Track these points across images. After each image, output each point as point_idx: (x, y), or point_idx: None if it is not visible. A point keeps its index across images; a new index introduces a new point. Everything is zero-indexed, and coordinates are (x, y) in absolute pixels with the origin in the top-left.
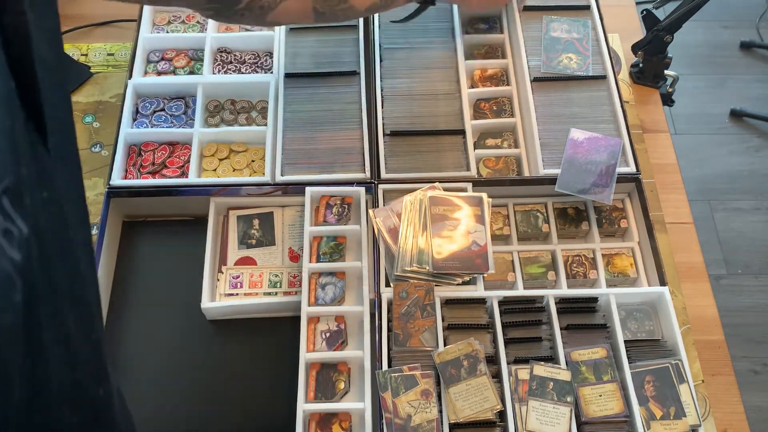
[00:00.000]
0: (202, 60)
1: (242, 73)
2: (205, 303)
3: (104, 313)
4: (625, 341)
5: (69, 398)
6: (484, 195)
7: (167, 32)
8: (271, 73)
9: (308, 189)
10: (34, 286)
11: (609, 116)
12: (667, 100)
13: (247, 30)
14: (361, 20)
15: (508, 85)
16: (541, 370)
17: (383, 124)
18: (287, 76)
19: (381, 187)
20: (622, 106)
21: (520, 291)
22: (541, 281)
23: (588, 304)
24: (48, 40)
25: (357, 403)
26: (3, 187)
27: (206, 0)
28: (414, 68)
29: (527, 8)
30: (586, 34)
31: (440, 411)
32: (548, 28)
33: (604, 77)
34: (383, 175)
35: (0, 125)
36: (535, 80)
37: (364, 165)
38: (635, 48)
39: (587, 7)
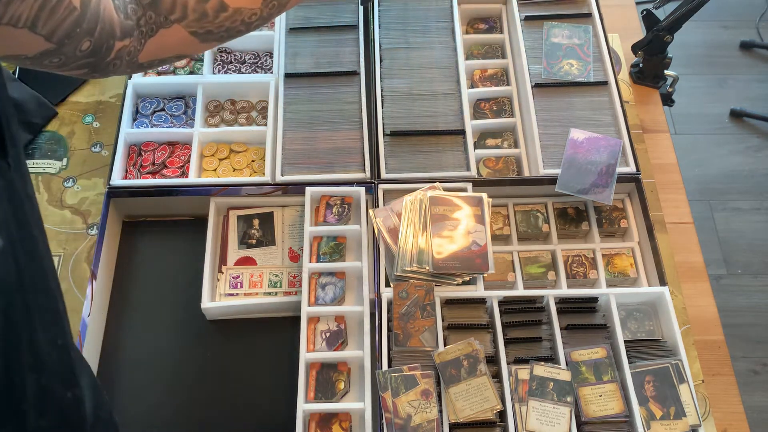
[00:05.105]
0: (202, 60)
1: (242, 73)
2: (205, 303)
3: (104, 313)
4: (625, 341)
5: (35, 403)
6: (484, 195)
7: None
8: (271, 73)
9: (308, 189)
10: (10, 296)
11: (610, 120)
12: (667, 100)
13: None
14: (361, 20)
15: (508, 85)
16: (541, 370)
17: (383, 124)
18: (287, 76)
19: (381, 187)
20: (623, 112)
21: (520, 291)
22: (541, 281)
23: (588, 304)
24: None
25: (357, 403)
26: None
27: (83, 56)
28: (414, 68)
29: (528, 18)
30: (587, 39)
31: (440, 411)
32: (549, 34)
33: (605, 83)
34: (383, 175)
35: None
36: (536, 86)
37: (364, 165)
38: (635, 48)
39: (588, 15)
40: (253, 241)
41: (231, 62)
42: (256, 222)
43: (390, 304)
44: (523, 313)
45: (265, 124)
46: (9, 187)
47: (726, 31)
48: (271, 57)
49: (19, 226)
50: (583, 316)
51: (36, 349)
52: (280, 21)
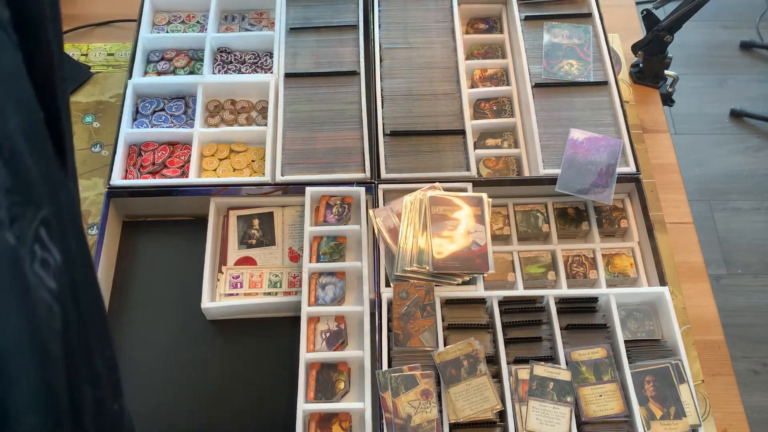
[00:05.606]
0: (202, 60)
1: (242, 73)
2: (205, 303)
3: None
4: (625, 341)
5: (91, 417)
6: (484, 195)
7: (167, 32)
8: (271, 73)
9: (308, 189)
10: (67, 311)
11: (610, 120)
12: (667, 100)
13: (247, 30)
14: (361, 20)
15: (508, 85)
16: (541, 370)
17: (383, 124)
18: (287, 76)
19: (381, 187)
20: (623, 112)
21: (520, 291)
22: (541, 281)
23: (588, 304)
24: (60, 60)
25: (357, 403)
26: (40, 218)
27: None
28: (414, 68)
29: (528, 17)
30: (587, 39)
31: (440, 411)
32: (549, 34)
33: (605, 83)
34: (383, 175)
35: (34, 157)
36: (536, 86)
37: (364, 165)
38: (635, 48)
39: (588, 15)
40: (253, 241)
41: (231, 62)
42: (256, 222)
43: (390, 304)
44: (523, 313)
45: (265, 124)
46: (69, 198)
47: (726, 31)
48: (271, 57)
49: (75, 237)
50: (583, 316)
51: (91, 362)
52: (280, 21)
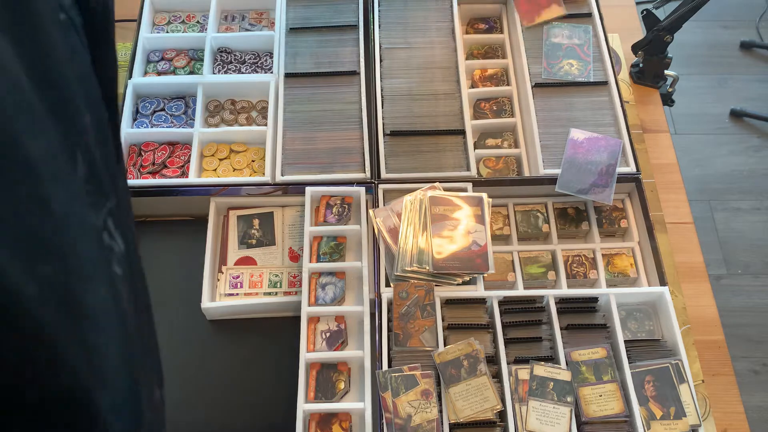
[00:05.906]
0: (202, 60)
1: (242, 73)
2: (205, 303)
3: None
4: (625, 341)
5: (147, 404)
6: (484, 195)
7: (167, 32)
8: (271, 73)
9: (308, 189)
10: (129, 296)
11: (610, 120)
12: (667, 100)
13: (247, 30)
14: (361, 20)
15: (508, 85)
16: (541, 370)
17: (383, 124)
18: (287, 76)
19: (381, 187)
20: (623, 112)
21: (520, 291)
22: (541, 281)
23: (588, 304)
24: (116, 61)
25: (357, 403)
26: (108, 209)
27: None
28: (414, 68)
29: None
30: (587, 39)
31: (440, 411)
32: (549, 34)
33: (605, 83)
34: (383, 175)
35: (99, 153)
36: (536, 86)
37: (364, 165)
38: (635, 48)
39: (588, 15)
40: (253, 241)
41: (231, 62)
42: (256, 222)
43: (390, 304)
44: (523, 313)
45: (265, 124)
46: (124, 191)
47: (726, 31)
48: (271, 57)
49: (130, 229)
50: (583, 316)
51: (145, 349)
52: (280, 21)
